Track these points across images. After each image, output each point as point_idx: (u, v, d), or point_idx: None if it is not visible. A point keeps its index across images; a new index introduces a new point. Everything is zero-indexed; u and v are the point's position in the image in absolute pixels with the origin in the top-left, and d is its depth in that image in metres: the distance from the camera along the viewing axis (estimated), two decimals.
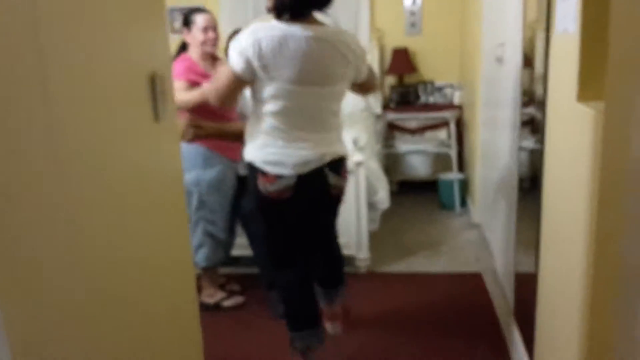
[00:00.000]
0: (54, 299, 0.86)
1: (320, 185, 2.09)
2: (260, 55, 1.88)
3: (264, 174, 2.02)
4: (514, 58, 2.41)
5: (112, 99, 1.09)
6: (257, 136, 2.04)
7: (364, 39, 4.72)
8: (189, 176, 2.68)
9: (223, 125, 2.74)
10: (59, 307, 0.87)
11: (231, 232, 2.91)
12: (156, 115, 1.27)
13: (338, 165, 2.12)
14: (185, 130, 2.65)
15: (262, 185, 2.03)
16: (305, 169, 2.02)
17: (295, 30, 1.90)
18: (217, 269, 2.96)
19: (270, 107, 1.97)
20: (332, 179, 2.10)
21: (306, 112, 2.01)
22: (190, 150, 2.67)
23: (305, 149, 2.01)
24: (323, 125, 2.06)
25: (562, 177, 1.71)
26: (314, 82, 1.96)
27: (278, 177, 2.01)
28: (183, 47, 2.81)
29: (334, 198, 2.18)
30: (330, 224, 2.32)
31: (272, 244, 2.23)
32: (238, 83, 1.98)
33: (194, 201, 2.74)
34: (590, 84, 1.42)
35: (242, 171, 2.85)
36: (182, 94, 2.57)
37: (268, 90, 1.95)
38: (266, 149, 2.01)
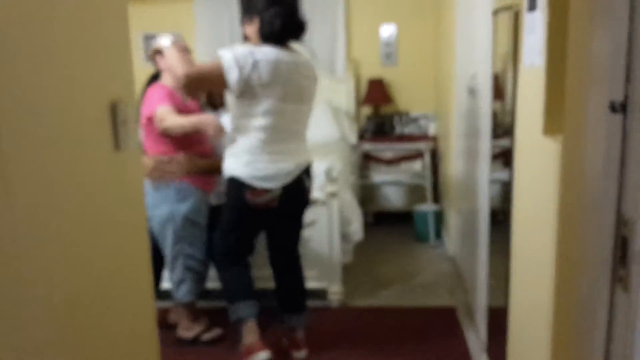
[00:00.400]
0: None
1: (300, 191, 2.40)
2: (259, 75, 2.16)
3: (253, 188, 2.27)
4: (485, 90, 2.41)
5: (68, 127, 1.04)
6: (241, 154, 2.28)
7: (340, 69, 4.75)
8: (162, 211, 2.61)
9: (200, 161, 2.68)
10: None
11: (207, 264, 2.81)
12: (117, 144, 1.21)
13: (308, 169, 2.43)
14: (156, 168, 2.58)
15: (250, 198, 2.29)
16: (288, 179, 2.31)
17: (284, 55, 2.23)
18: (196, 302, 2.86)
19: (260, 121, 2.24)
20: (307, 182, 2.42)
21: (288, 127, 2.31)
22: (161, 184, 2.60)
23: (287, 161, 2.31)
24: (298, 137, 2.38)
25: (530, 210, 1.68)
26: (296, 99, 2.29)
27: (266, 190, 2.28)
28: (155, 77, 2.77)
29: (306, 199, 2.47)
30: (299, 229, 2.56)
31: (234, 240, 2.47)
32: (219, 80, 2.17)
33: (170, 237, 2.64)
34: (555, 117, 1.40)
35: (214, 201, 2.78)
36: (175, 117, 2.50)
37: (262, 106, 2.23)
38: (253, 165, 2.26)
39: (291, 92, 2.25)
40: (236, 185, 2.31)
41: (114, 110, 1.21)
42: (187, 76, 2.15)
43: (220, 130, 2.46)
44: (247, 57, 2.15)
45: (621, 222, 0.76)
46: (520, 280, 1.80)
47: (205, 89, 2.44)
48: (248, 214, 2.38)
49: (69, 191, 1.05)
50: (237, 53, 2.16)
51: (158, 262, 2.74)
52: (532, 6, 1.69)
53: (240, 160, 2.28)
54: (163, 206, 2.61)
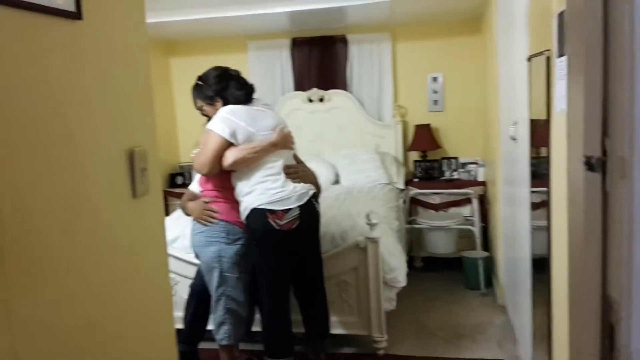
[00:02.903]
0: None
1: (315, 212, 2.64)
2: (244, 124, 2.53)
3: (273, 212, 2.48)
4: (524, 136, 2.37)
5: (84, 175, 1.10)
6: (254, 188, 2.53)
7: (388, 115, 4.80)
8: (211, 250, 2.63)
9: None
10: None
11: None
12: (134, 192, 1.28)
13: (317, 197, 2.69)
14: (204, 212, 2.66)
15: (273, 222, 2.49)
16: (303, 201, 2.55)
17: (250, 106, 2.64)
18: (237, 346, 2.87)
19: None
20: (318, 207, 2.67)
21: (283, 155, 2.62)
22: (212, 225, 2.65)
23: (295, 184, 2.57)
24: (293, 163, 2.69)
25: (565, 259, 1.61)
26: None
27: (285, 211, 2.50)
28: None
29: (319, 222, 2.71)
30: (320, 254, 2.77)
31: (270, 272, 2.61)
32: (223, 145, 2.51)
33: (215, 278, 2.66)
34: None
35: None
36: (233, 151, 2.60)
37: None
38: (269, 192, 2.51)
39: (270, 125, 2.59)
40: (258, 214, 2.50)
41: (131, 157, 1.26)
42: (203, 168, 2.53)
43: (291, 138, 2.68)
44: (226, 116, 2.52)
45: (607, 305, 0.69)
46: (562, 336, 1.72)
47: (218, 160, 2.57)
48: (276, 241, 2.53)
49: (85, 239, 1.10)
50: (220, 118, 2.53)
51: (207, 303, 2.79)
52: (561, 52, 1.68)
53: (255, 194, 2.52)
54: (212, 245, 2.64)
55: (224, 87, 2.65)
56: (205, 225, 2.65)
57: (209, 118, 2.70)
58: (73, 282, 1.05)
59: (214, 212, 2.65)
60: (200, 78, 2.71)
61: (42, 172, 0.97)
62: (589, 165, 0.69)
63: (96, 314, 1.12)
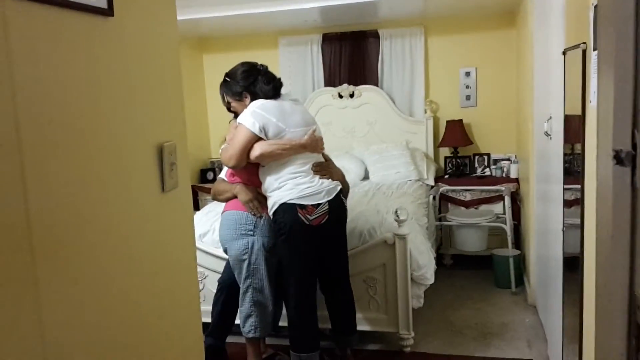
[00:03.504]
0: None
1: (342, 209, 2.66)
2: (274, 119, 2.54)
3: (303, 207, 2.51)
4: (558, 131, 2.32)
5: (114, 170, 1.13)
6: (283, 183, 2.54)
7: (419, 110, 4.75)
8: (239, 244, 2.66)
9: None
10: None
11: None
12: (163, 186, 1.30)
13: (342, 190, 2.68)
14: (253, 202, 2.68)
15: (303, 217, 2.51)
16: (332, 196, 2.58)
17: (279, 100, 2.64)
18: (263, 340, 2.90)
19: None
20: (345, 202, 2.70)
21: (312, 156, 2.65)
22: (242, 217, 2.67)
23: (326, 181, 2.60)
24: (319, 159, 2.70)
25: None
26: (306, 125, 2.63)
27: (315, 206, 2.52)
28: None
29: (346, 217, 2.74)
30: (346, 250, 2.80)
31: (298, 267, 2.61)
32: (251, 140, 2.53)
33: (244, 270, 2.69)
34: None
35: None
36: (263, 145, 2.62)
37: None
38: (299, 187, 2.53)
39: (300, 121, 2.61)
40: (288, 209, 2.51)
41: (160, 153, 1.28)
42: (229, 160, 2.55)
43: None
44: (257, 111, 2.54)
45: (634, 304, 0.66)
46: (591, 336, 1.67)
47: (246, 154, 2.56)
48: (305, 236, 2.54)
49: (114, 233, 1.12)
50: (250, 112, 2.54)
51: (235, 298, 2.83)
52: (597, 45, 1.63)
53: (285, 189, 2.53)
54: (243, 238, 2.67)
55: (252, 82, 2.65)
56: (253, 213, 2.67)
57: (236, 115, 2.72)
58: (102, 276, 1.07)
59: (262, 206, 2.67)
60: (227, 74, 2.72)
61: (72, 167, 1.00)
62: (618, 159, 0.67)
63: (124, 307, 1.14)
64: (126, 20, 1.18)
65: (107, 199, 1.09)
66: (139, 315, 1.21)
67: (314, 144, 2.60)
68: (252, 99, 2.63)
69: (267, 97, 2.62)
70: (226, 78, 2.73)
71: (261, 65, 2.74)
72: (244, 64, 2.73)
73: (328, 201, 2.55)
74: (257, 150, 2.52)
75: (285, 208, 2.52)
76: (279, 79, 2.71)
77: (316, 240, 2.59)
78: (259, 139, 2.52)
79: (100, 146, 1.08)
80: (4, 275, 0.83)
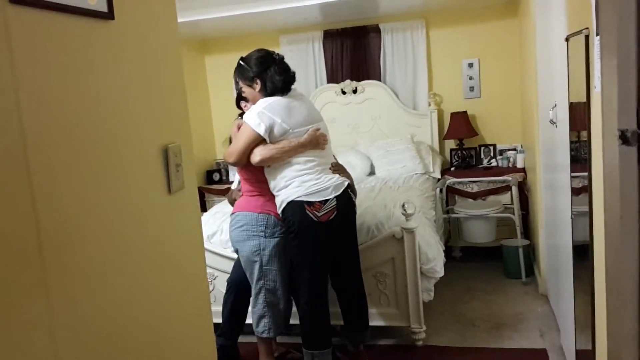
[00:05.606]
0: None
1: (350, 204, 2.65)
2: (280, 121, 2.54)
3: (311, 204, 2.51)
4: (563, 119, 2.31)
5: (120, 172, 1.13)
6: (290, 181, 2.55)
7: (422, 103, 4.74)
8: (251, 244, 2.65)
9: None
10: None
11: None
12: (169, 188, 1.30)
13: (350, 185, 2.67)
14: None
15: (311, 213, 2.51)
16: (339, 191, 2.57)
17: (288, 97, 2.62)
18: (274, 338, 2.90)
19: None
20: (353, 198, 2.69)
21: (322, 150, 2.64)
22: (252, 218, 2.67)
23: (331, 175, 2.61)
24: (328, 154, 2.70)
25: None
26: (311, 123, 2.63)
27: (323, 202, 2.52)
28: (240, 98, 2.81)
29: (355, 212, 2.74)
30: (357, 245, 2.79)
31: (308, 264, 2.61)
32: (255, 140, 2.55)
33: (256, 272, 2.69)
34: None
35: None
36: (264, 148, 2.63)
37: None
38: (306, 184, 2.53)
39: (305, 120, 2.60)
40: (296, 206, 2.52)
41: (166, 154, 1.28)
42: (229, 156, 2.60)
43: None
44: (263, 111, 2.53)
45: None
46: (603, 323, 1.67)
47: (248, 153, 2.58)
48: (314, 233, 2.54)
49: (122, 235, 1.12)
50: (257, 113, 2.54)
51: (244, 297, 2.84)
52: (599, 30, 1.62)
53: (292, 187, 2.54)
54: (253, 239, 2.66)
55: (264, 70, 2.60)
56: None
57: (241, 114, 2.72)
58: (110, 277, 1.08)
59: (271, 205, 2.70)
60: (242, 59, 2.69)
61: (78, 169, 1.00)
62: (624, 139, 0.67)
63: (134, 308, 1.15)
64: (127, 23, 1.18)
65: (114, 202, 1.10)
66: (150, 317, 1.21)
67: (315, 142, 2.59)
68: (262, 87, 2.60)
69: (275, 89, 2.58)
70: (240, 62, 2.69)
71: (277, 54, 2.69)
72: (260, 50, 2.69)
73: (336, 197, 2.55)
74: (257, 156, 2.54)
75: (293, 206, 2.53)
76: (293, 73, 2.66)
77: (326, 237, 2.58)
78: (262, 140, 2.53)
79: (105, 150, 1.09)
80: (15, 280, 0.83)
